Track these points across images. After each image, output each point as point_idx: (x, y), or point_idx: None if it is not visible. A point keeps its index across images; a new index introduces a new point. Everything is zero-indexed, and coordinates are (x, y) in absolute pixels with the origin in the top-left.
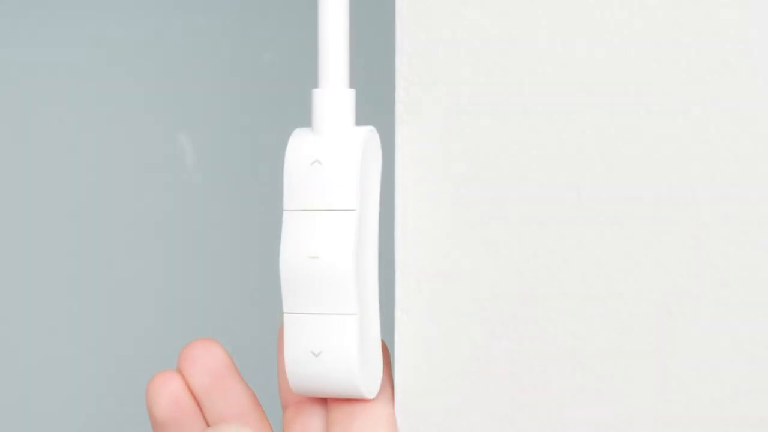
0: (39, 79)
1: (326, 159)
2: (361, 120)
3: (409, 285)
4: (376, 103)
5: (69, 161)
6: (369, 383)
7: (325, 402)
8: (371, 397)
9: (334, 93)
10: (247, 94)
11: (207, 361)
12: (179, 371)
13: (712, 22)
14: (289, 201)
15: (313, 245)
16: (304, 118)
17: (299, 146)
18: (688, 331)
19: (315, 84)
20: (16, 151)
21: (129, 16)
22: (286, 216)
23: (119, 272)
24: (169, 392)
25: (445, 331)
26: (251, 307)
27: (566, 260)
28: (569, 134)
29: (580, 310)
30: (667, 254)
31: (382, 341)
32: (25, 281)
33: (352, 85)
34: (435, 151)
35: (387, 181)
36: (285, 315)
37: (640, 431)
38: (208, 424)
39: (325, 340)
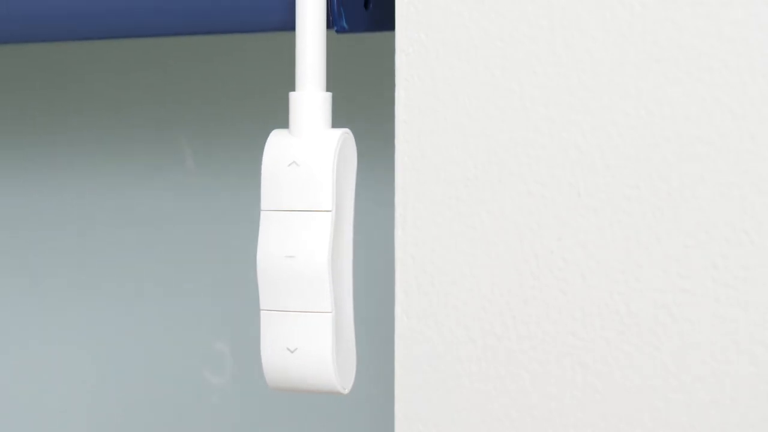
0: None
1: (303, 160)
2: (361, 120)
3: (409, 285)
4: (376, 104)
5: (70, 158)
6: (343, 379)
7: None
8: (345, 392)
9: (311, 96)
10: (248, 96)
11: None
12: None
13: (712, 22)
14: (266, 201)
15: (289, 245)
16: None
17: (277, 148)
18: (688, 331)
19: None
20: (20, 151)
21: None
22: (263, 216)
23: (122, 270)
24: None
25: (445, 331)
26: (250, 306)
27: (566, 260)
28: (569, 134)
29: (580, 310)
30: (667, 254)
31: None
32: (27, 278)
33: (329, 88)
34: (435, 151)
35: (387, 181)
36: (262, 312)
37: (640, 431)
38: None
39: (301, 337)
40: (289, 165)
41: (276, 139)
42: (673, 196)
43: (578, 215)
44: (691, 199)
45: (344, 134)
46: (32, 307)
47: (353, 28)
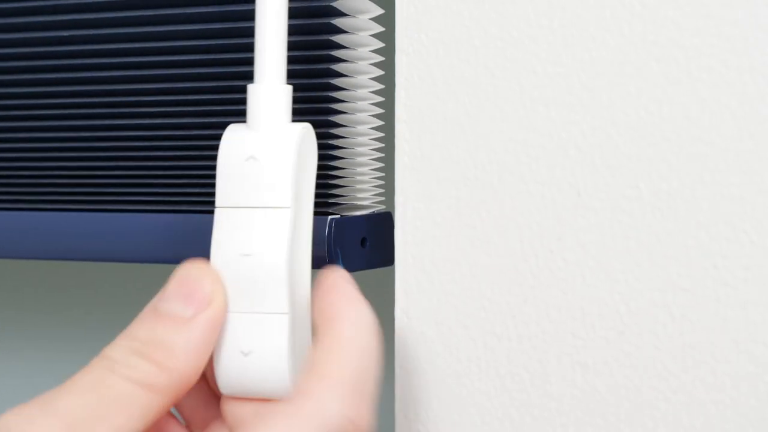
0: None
1: (261, 155)
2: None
3: (409, 285)
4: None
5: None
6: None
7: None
8: None
9: (270, 89)
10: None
11: None
12: None
13: (712, 22)
14: (221, 198)
15: (246, 243)
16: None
17: (234, 142)
18: (688, 331)
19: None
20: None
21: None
22: (218, 213)
23: (120, 270)
24: None
25: (445, 331)
26: None
27: (566, 260)
28: (569, 134)
29: (580, 310)
30: (667, 254)
31: None
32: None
33: (288, 81)
34: (435, 151)
35: (388, 181)
36: None
37: (640, 431)
38: None
39: (256, 340)
40: (247, 159)
41: (233, 133)
42: (673, 196)
43: (578, 215)
44: (691, 199)
45: (305, 129)
46: (31, 299)
47: (350, 267)
